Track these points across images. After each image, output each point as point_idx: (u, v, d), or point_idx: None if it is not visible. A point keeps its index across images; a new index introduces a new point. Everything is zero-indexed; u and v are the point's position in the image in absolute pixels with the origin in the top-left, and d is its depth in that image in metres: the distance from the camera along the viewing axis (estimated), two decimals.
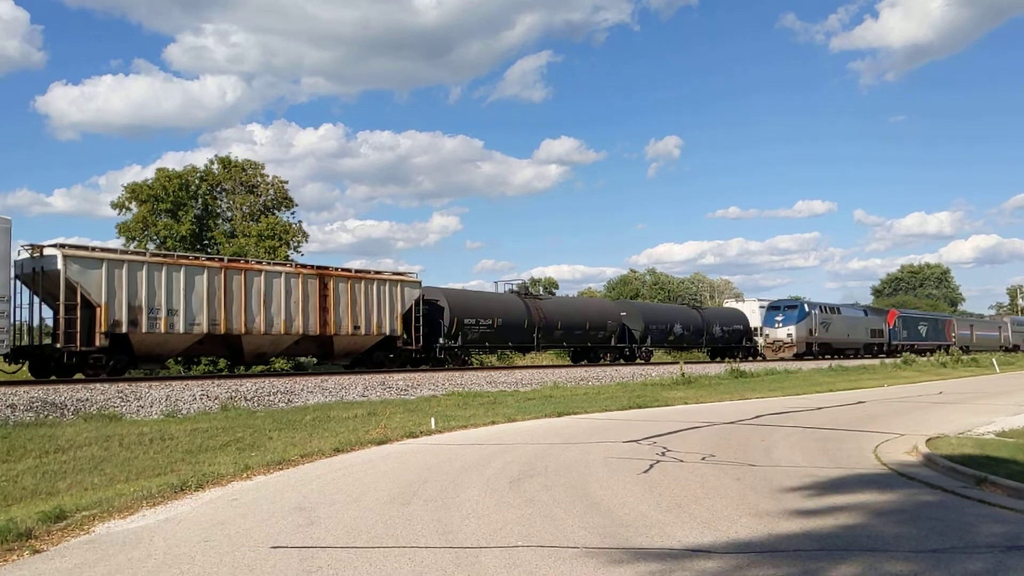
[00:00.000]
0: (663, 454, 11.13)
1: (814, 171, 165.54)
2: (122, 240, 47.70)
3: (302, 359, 35.67)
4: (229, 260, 25.20)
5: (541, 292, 53.36)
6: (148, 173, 73.03)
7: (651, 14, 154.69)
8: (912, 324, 65.91)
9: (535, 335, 34.44)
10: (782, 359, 46.28)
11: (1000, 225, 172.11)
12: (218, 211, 52.49)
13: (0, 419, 14.01)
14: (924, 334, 66.49)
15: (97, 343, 21.19)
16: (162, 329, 22.19)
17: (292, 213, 54.25)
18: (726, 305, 58.59)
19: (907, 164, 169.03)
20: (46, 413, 14.87)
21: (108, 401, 16.29)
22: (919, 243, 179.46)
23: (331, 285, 26.78)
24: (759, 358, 49.25)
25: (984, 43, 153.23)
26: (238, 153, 71.98)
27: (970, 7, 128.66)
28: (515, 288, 38.13)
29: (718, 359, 45.41)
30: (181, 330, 22.65)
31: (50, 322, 22.23)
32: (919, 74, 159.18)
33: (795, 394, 24.44)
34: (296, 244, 51.23)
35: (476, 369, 30.65)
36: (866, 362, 48.04)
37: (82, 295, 20.87)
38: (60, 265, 20.62)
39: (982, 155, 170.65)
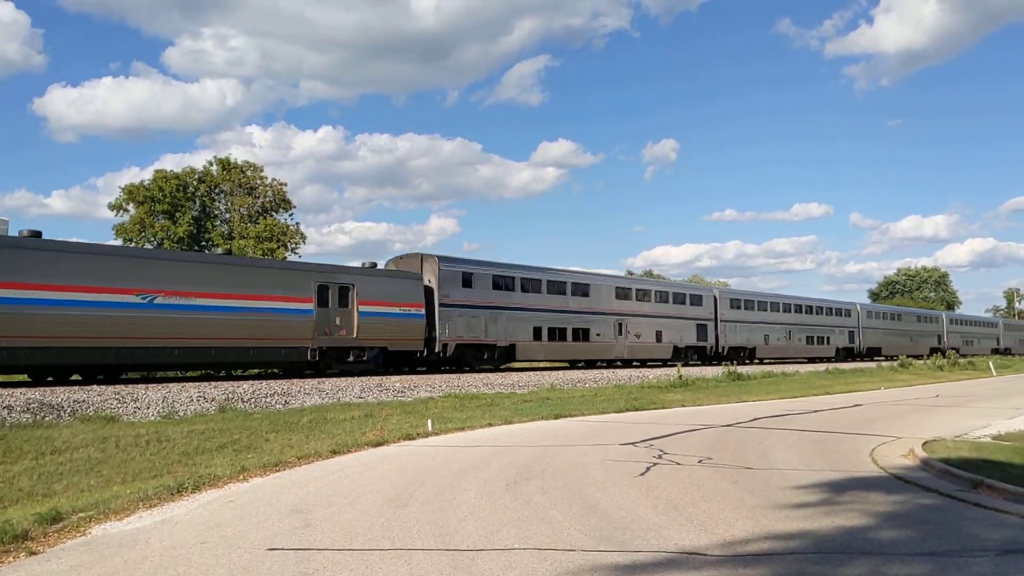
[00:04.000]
0: (660, 457, 11.14)
1: (810, 174, 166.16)
2: (119, 242, 47.68)
3: None
4: None
5: None
6: (146, 175, 72.96)
7: (650, 20, 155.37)
8: None
9: None
10: None
11: (996, 229, 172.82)
12: (216, 213, 52.48)
13: None
14: None
15: None
16: None
17: (290, 215, 54.34)
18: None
19: (903, 167, 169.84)
20: (43, 415, 14.84)
21: (105, 403, 16.26)
22: (915, 247, 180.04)
23: None
24: None
25: (980, 47, 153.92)
26: (237, 155, 71.93)
27: (965, 12, 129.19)
28: None
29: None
30: None
31: None
32: (915, 79, 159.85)
33: (792, 397, 24.47)
34: (294, 246, 51.28)
35: (473, 371, 30.61)
36: (863, 365, 47.56)
37: None
38: None
39: (978, 159, 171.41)
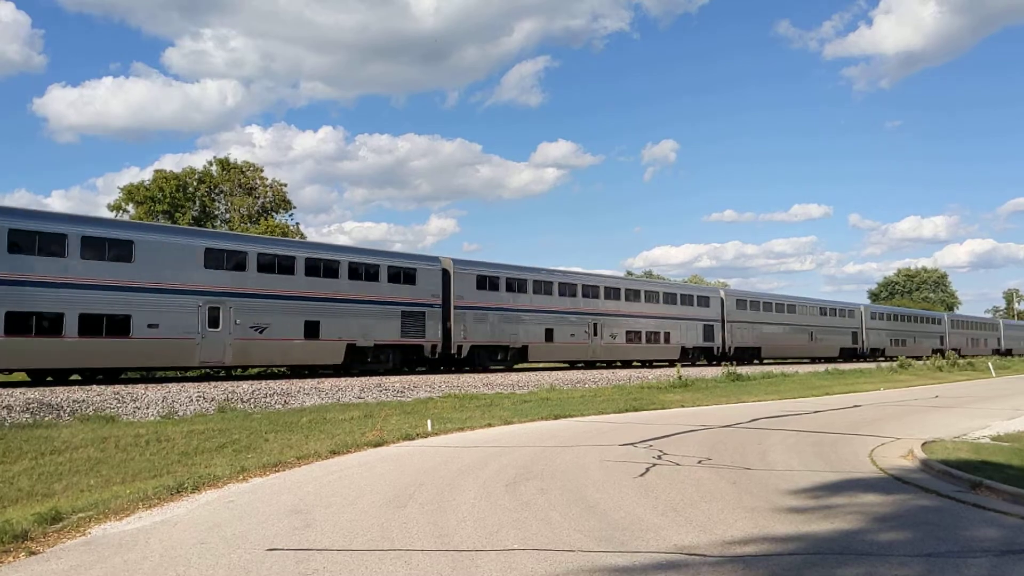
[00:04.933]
0: (659, 457, 11.14)
1: (810, 175, 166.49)
2: None
3: None
4: None
5: None
6: (146, 175, 72.86)
7: (650, 22, 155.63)
8: None
9: None
10: None
11: (995, 230, 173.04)
12: (216, 213, 52.46)
13: None
14: None
15: None
16: None
17: (290, 215, 54.36)
18: None
19: (902, 169, 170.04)
20: (42, 415, 14.84)
21: (104, 403, 16.26)
22: (915, 247, 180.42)
23: None
24: None
25: (979, 50, 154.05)
26: (237, 155, 72.00)
27: (963, 14, 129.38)
28: None
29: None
30: None
31: None
32: (914, 80, 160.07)
33: (791, 397, 24.47)
34: None
35: (473, 372, 30.63)
36: (863, 366, 47.35)
37: None
38: None
39: (977, 159, 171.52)
